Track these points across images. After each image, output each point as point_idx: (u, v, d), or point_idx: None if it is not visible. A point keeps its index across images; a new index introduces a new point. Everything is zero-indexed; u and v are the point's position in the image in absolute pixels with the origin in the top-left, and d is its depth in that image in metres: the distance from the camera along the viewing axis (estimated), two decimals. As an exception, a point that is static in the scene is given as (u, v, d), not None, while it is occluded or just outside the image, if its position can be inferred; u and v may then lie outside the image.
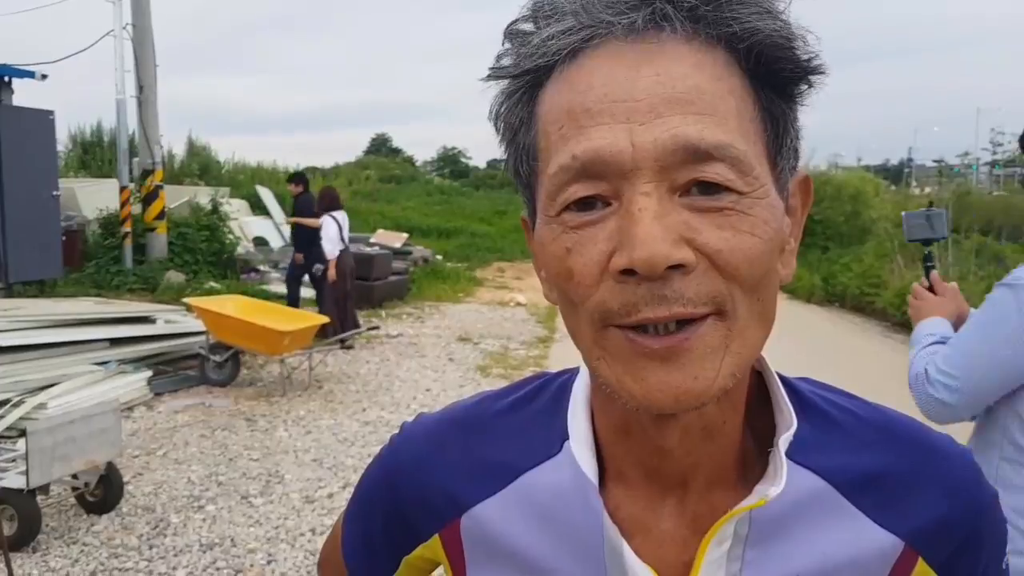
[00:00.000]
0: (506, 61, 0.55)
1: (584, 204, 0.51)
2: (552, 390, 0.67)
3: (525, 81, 0.54)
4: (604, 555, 0.59)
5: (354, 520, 0.74)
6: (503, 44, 0.55)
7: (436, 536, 0.66)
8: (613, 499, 0.60)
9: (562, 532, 0.60)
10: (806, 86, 0.54)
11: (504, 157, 0.59)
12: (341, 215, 8.73)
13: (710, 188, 0.50)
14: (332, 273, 8.44)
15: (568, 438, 0.61)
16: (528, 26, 0.54)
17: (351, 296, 8.83)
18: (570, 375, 0.67)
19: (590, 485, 0.59)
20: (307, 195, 9.57)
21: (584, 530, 0.59)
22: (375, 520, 0.70)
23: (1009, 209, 15.54)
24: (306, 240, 8.99)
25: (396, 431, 0.72)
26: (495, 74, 0.56)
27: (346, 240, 8.73)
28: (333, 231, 8.48)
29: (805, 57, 0.52)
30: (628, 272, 0.49)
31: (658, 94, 0.49)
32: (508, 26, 0.55)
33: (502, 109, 0.57)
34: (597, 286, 0.51)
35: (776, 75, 0.53)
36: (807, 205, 0.60)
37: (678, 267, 0.48)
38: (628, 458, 0.60)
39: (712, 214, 0.49)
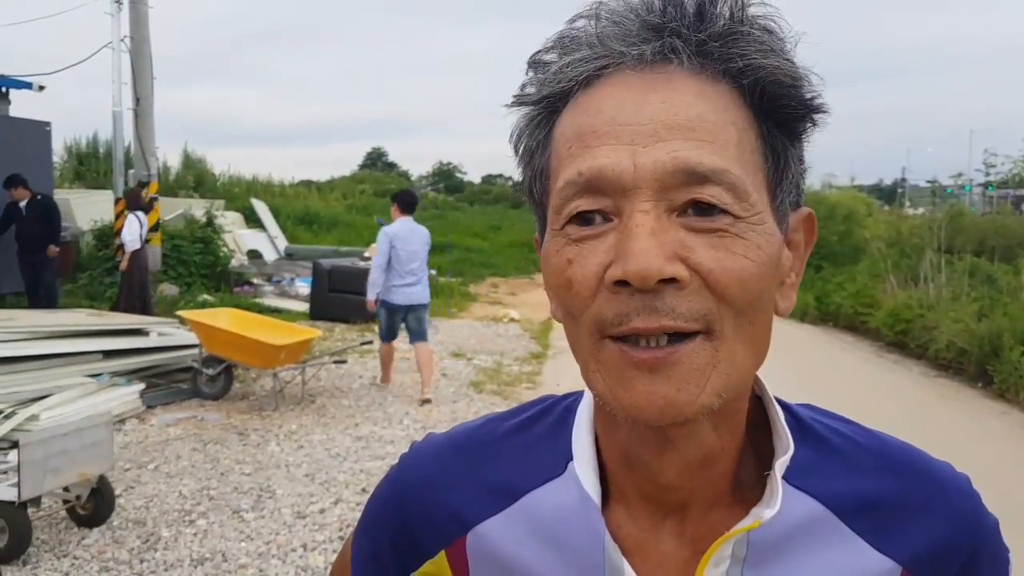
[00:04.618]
0: (529, 89, 0.59)
1: (585, 219, 0.53)
2: (557, 412, 0.68)
3: (544, 107, 0.58)
4: (605, 574, 0.60)
5: (363, 538, 0.74)
6: (527, 74, 0.59)
7: (442, 553, 0.67)
8: (615, 519, 0.61)
9: (564, 551, 0.61)
10: (809, 124, 0.57)
11: (520, 178, 0.62)
12: (143, 215, 9.84)
13: (706, 209, 0.51)
14: (124, 264, 9.63)
15: (571, 459, 0.63)
16: (550, 56, 0.57)
17: (147, 287, 9.89)
18: (575, 397, 0.68)
19: (592, 505, 0.60)
20: (46, 199, 9.56)
21: (586, 549, 0.60)
22: (383, 538, 0.71)
23: (1002, 230, 15.62)
24: (48, 238, 9.34)
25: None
26: (518, 101, 0.59)
27: (143, 237, 9.80)
28: (135, 228, 9.62)
29: (808, 96, 0.55)
30: (622, 283, 0.51)
31: (661, 120, 0.52)
32: (531, 57, 0.59)
33: (523, 134, 0.60)
34: (594, 297, 0.53)
35: (779, 111, 0.55)
36: (811, 242, 0.61)
37: (671, 282, 0.50)
38: (629, 481, 0.61)
39: (707, 234, 0.51)
